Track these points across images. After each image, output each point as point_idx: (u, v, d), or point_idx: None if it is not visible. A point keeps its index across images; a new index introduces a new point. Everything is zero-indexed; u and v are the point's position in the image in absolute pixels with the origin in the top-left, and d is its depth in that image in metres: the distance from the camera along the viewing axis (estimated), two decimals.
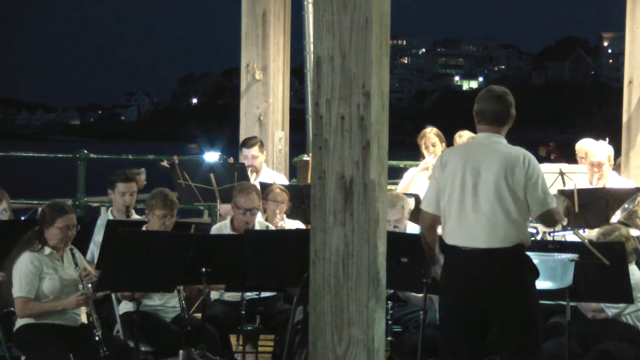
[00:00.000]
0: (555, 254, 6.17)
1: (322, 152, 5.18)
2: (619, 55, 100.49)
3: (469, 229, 5.78)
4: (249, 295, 7.65)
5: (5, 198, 7.98)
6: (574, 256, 6.11)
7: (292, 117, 11.03)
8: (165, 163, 9.57)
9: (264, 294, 7.72)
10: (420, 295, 6.68)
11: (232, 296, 7.72)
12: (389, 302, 6.95)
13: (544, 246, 6.46)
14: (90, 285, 6.87)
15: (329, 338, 5.18)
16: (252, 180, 9.09)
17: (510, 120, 5.97)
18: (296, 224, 8.43)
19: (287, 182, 9.88)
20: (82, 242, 7.49)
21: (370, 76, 5.11)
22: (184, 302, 7.31)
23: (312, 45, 11.45)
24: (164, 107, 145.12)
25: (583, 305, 6.90)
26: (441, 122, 12.67)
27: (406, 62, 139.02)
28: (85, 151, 12.00)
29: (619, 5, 10.48)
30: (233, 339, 7.89)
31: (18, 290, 6.80)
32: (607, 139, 8.85)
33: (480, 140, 5.93)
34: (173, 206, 7.39)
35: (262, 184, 8.93)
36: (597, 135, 9.10)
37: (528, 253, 5.86)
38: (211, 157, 10.13)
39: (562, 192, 7.73)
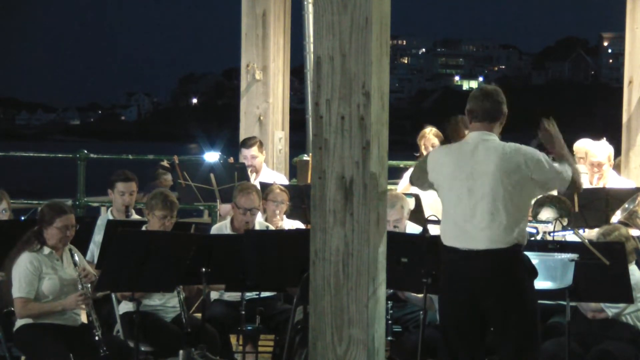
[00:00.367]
0: (555, 254, 6.17)
1: (322, 152, 5.18)
2: (619, 55, 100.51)
3: (465, 230, 5.77)
4: (249, 295, 7.65)
5: (5, 198, 7.98)
6: (574, 256, 6.11)
7: (292, 117, 11.03)
8: (165, 163, 9.57)
9: (264, 294, 7.72)
10: (420, 295, 6.68)
11: (232, 296, 7.72)
12: (389, 302, 6.95)
13: (544, 246, 6.45)
14: (89, 285, 6.87)
15: (329, 338, 5.18)
16: (252, 180, 9.09)
17: (502, 117, 5.94)
18: (296, 224, 8.43)
19: (287, 182, 9.88)
20: (82, 242, 7.49)
21: (370, 76, 5.12)
22: (183, 302, 7.30)
23: (312, 45, 11.44)
24: (164, 107, 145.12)
25: (583, 305, 6.90)
26: (441, 122, 12.65)
27: (406, 62, 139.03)
28: (85, 151, 11.99)
29: (619, 5, 10.47)
30: (233, 339, 7.89)
31: (18, 290, 6.80)
32: (604, 138, 8.84)
33: (474, 139, 5.90)
34: (173, 207, 7.39)
35: (262, 184, 8.93)
36: (597, 135, 9.09)
37: (529, 253, 5.86)
38: (211, 157, 10.13)
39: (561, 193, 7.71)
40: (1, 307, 7.14)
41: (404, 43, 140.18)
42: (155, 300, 7.38)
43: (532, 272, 5.84)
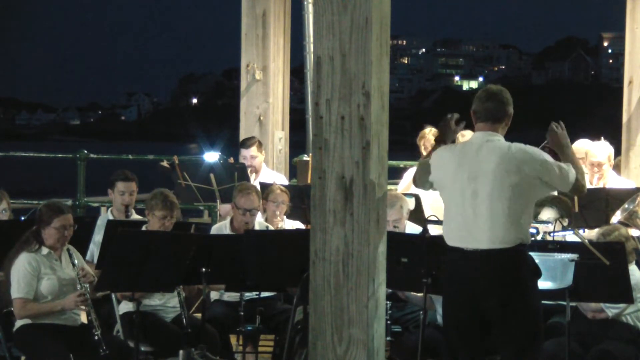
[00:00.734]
0: (555, 254, 6.16)
1: (322, 152, 5.19)
2: (619, 55, 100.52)
3: (469, 230, 5.76)
4: (249, 295, 7.65)
5: (5, 198, 7.98)
6: (574, 256, 6.11)
7: (292, 117, 11.03)
8: (165, 163, 9.56)
9: (264, 294, 7.72)
10: (420, 295, 6.67)
11: (231, 296, 7.72)
12: (388, 302, 6.95)
13: (544, 246, 6.45)
14: (88, 285, 6.87)
15: (329, 338, 5.18)
16: (251, 181, 9.08)
17: (506, 118, 5.92)
18: (296, 224, 8.43)
19: (287, 182, 9.87)
20: (82, 242, 7.49)
21: (370, 76, 5.12)
22: (183, 302, 7.30)
23: (312, 45, 11.44)
24: (164, 107, 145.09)
25: (583, 305, 6.89)
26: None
27: (406, 62, 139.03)
28: (85, 151, 11.99)
29: (619, 5, 10.47)
30: (233, 339, 7.89)
31: (17, 291, 6.80)
32: (602, 138, 8.83)
33: (477, 139, 5.90)
34: (173, 207, 7.39)
35: (262, 184, 8.92)
36: (597, 135, 9.09)
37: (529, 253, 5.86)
38: (211, 157, 10.13)
39: (561, 192, 7.71)
40: (1, 307, 7.14)
41: (404, 43, 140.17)
42: (155, 300, 7.38)
43: (536, 272, 5.83)
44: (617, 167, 9.51)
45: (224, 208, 9.27)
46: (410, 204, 8.07)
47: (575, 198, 7.94)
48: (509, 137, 5.96)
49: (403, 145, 14.96)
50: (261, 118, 10.57)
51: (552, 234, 7.50)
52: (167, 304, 7.42)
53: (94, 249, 7.78)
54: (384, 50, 5.24)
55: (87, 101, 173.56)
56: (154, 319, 7.28)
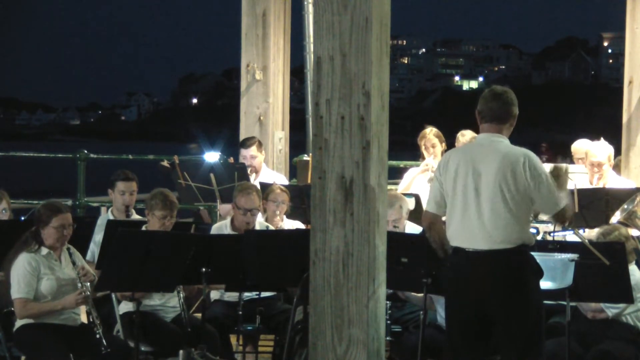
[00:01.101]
0: (555, 254, 6.17)
1: (322, 152, 5.19)
2: (619, 55, 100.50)
3: (472, 230, 5.77)
4: (249, 295, 7.65)
5: (5, 198, 7.98)
6: (574, 256, 6.11)
7: (292, 117, 11.02)
8: (165, 163, 9.56)
9: (264, 294, 7.72)
10: (420, 295, 6.68)
11: (232, 296, 7.72)
12: (388, 302, 6.95)
13: (544, 246, 6.45)
14: (88, 284, 6.87)
15: (329, 338, 5.18)
16: (252, 181, 9.08)
17: (511, 119, 5.93)
18: (296, 224, 8.43)
19: (287, 182, 9.87)
20: (82, 242, 7.49)
21: (370, 76, 5.12)
22: (183, 302, 7.30)
23: (312, 45, 11.45)
24: (164, 107, 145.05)
25: (583, 305, 6.89)
26: (441, 122, 12.67)
27: (406, 62, 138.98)
28: (85, 151, 11.99)
29: (619, 5, 10.47)
30: (233, 339, 7.89)
31: (17, 291, 6.80)
32: (602, 138, 8.84)
33: (481, 140, 5.92)
34: (173, 207, 7.39)
35: (262, 184, 8.92)
36: (597, 135, 9.09)
37: None
38: (211, 157, 10.13)
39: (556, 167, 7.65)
40: (1, 307, 7.14)
41: (404, 43, 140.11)
42: (155, 300, 7.38)
43: (538, 273, 5.83)
44: (617, 167, 9.52)
45: (224, 208, 9.27)
46: (410, 204, 8.07)
47: (575, 198, 7.95)
48: (510, 137, 5.97)
49: (403, 145, 14.94)
50: (261, 118, 10.57)
51: (552, 234, 7.51)
52: (167, 304, 7.42)
53: (94, 249, 7.77)
54: (384, 50, 5.24)
55: (87, 101, 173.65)
56: (154, 319, 7.28)
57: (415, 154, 10.13)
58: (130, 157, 12.81)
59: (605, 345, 6.75)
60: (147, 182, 8.55)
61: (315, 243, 5.21)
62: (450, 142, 9.54)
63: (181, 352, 6.62)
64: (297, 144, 11.67)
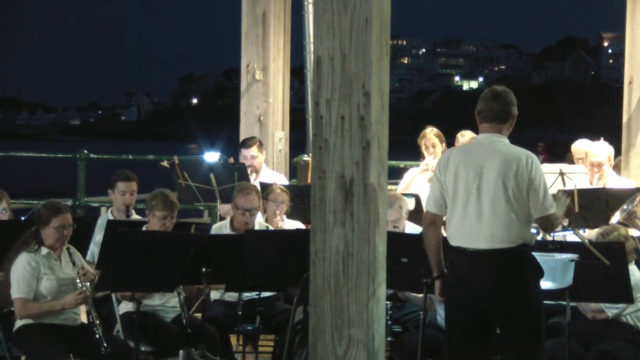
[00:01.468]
0: (555, 254, 6.17)
1: (322, 152, 5.19)
2: (619, 55, 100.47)
3: (472, 229, 5.77)
4: (249, 295, 7.65)
5: (5, 198, 7.98)
6: (574, 256, 6.11)
7: (292, 117, 11.02)
8: (165, 163, 9.56)
9: (264, 294, 7.72)
10: (421, 295, 6.67)
11: (232, 296, 7.72)
12: (388, 302, 6.95)
13: (544, 246, 6.45)
14: (88, 283, 6.87)
15: (329, 338, 5.18)
16: (252, 181, 9.08)
17: (511, 119, 5.95)
18: (296, 224, 8.43)
19: (287, 182, 9.87)
20: (82, 242, 7.49)
21: (370, 76, 5.12)
22: (183, 302, 7.30)
23: (312, 45, 11.44)
24: (164, 107, 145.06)
25: (583, 305, 6.89)
26: (441, 122, 12.67)
27: (406, 62, 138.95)
28: (85, 151, 12.00)
29: (619, 5, 10.47)
30: (233, 339, 7.89)
31: (16, 291, 6.80)
32: (602, 138, 8.84)
33: (481, 140, 5.93)
34: (173, 207, 7.39)
35: (262, 184, 8.92)
36: (597, 135, 9.10)
37: None
38: (211, 157, 10.13)
39: (562, 192, 7.71)
40: (1, 307, 7.14)
41: (404, 43, 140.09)
42: (155, 300, 7.38)
43: (538, 273, 5.83)
44: (617, 167, 9.52)
45: (224, 208, 9.27)
46: (410, 204, 8.07)
47: (575, 198, 7.95)
48: (510, 137, 5.98)
49: (403, 145, 14.93)
50: (261, 118, 10.56)
51: (552, 234, 7.50)
52: (167, 304, 7.42)
53: (94, 249, 7.77)
54: (384, 50, 5.24)
55: (87, 101, 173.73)
56: (154, 319, 7.27)
57: (415, 154, 10.13)
58: (130, 157, 12.82)
59: (605, 345, 6.75)
60: (147, 182, 8.55)
61: (315, 243, 5.21)
62: (450, 142, 9.55)
63: (181, 352, 6.61)
64: (297, 144, 11.66)
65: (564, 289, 6.27)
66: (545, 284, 5.95)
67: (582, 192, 8.17)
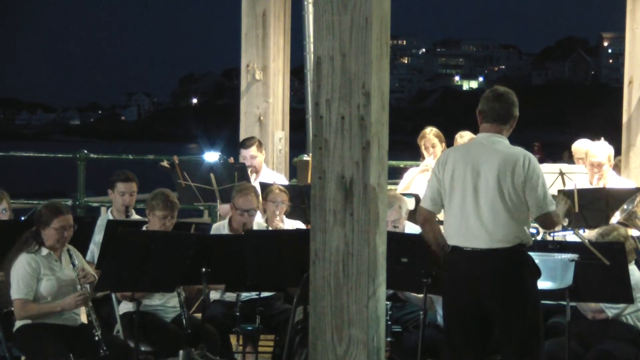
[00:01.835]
0: (555, 254, 6.17)
1: (322, 152, 5.18)
2: (619, 55, 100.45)
3: (469, 229, 5.78)
4: (248, 295, 7.65)
5: (5, 198, 7.98)
6: (574, 256, 6.11)
7: (292, 117, 11.03)
8: (165, 163, 9.56)
9: (264, 294, 7.72)
10: (421, 295, 6.67)
11: (231, 296, 7.72)
12: (388, 302, 6.95)
13: (544, 246, 6.46)
14: (88, 285, 6.86)
15: (329, 338, 5.18)
16: (252, 181, 9.08)
17: (512, 120, 5.95)
18: (296, 224, 8.42)
19: (287, 182, 9.87)
20: (82, 242, 7.48)
21: (370, 76, 5.12)
22: (183, 302, 7.30)
23: (312, 45, 11.44)
24: (164, 107, 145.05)
25: (583, 305, 6.89)
26: (441, 122, 12.68)
27: (406, 62, 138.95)
28: (85, 151, 12.00)
29: (619, 5, 10.47)
30: (233, 339, 7.89)
31: (16, 292, 6.79)
32: (602, 138, 8.84)
33: (481, 139, 5.93)
34: (174, 207, 7.39)
35: (262, 184, 8.93)
36: (597, 135, 9.10)
37: (529, 253, 5.86)
38: (211, 157, 10.13)
39: (562, 192, 7.72)
40: (1, 307, 7.14)
41: (404, 43, 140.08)
42: (155, 300, 7.38)
43: (536, 273, 5.84)
44: (617, 167, 9.52)
45: (224, 208, 9.27)
46: (410, 204, 8.07)
47: (575, 198, 7.96)
48: (509, 137, 5.98)
49: (403, 145, 14.94)
50: (261, 118, 10.57)
51: (552, 234, 7.50)
52: (167, 304, 7.42)
53: (94, 249, 7.77)
54: (384, 50, 5.24)
55: (87, 101, 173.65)
56: (154, 319, 7.28)
57: (415, 154, 10.13)
58: (130, 157, 12.83)
59: (605, 345, 6.75)
60: (147, 182, 8.56)
61: (315, 243, 5.21)
62: (449, 142, 9.55)
63: (181, 352, 6.62)
64: (297, 144, 11.66)
65: (564, 289, 6.26)
66: (545, 284, 5.95)
67: (582, 192, 8.17)
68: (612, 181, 8.66)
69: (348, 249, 5.15)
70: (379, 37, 5.17)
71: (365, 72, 5.12)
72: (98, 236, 7.75)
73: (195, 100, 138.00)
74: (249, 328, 7.61)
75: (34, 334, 6.81)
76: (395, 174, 10.39)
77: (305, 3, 12.09)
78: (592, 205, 8.13)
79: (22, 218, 8.64)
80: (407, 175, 9.66)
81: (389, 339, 7.04)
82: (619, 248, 6.51)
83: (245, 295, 7.60)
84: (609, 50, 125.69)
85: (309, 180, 9.58)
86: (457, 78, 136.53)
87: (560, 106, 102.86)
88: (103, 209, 11.33)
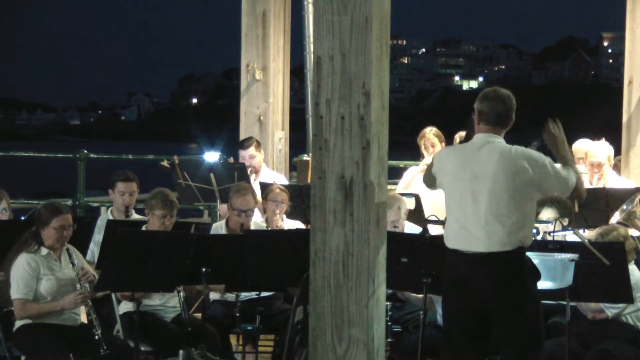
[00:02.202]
0: (555, 254, 6.16)
1: (322, 152, 5.19)
2: (619, 55, 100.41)
3: (469, 232, 5.75)
4: (248, 295, 7.66)
5: (5, 198, 7.98)
6: (574, 256, 6.11)
7: (292, 117, 11.03)
8: (165, 163, 9.57)
9: (264, 294, 7.72)
10: (421, 295, 6.67)
11: (232, 296, 7.72)
12: (388, 302, 6.94)
13: (544, 246, 6.45)
14: (87, 284, 6.86)
15: (329, 338, 5.18)
16: (252, 181, 9.09)
17: (511, 123, 5.93)
18: (296, 224, 8.43)
19: (287, 182, 9.87)
20: (82, 242, 7.48)
21: (370, 76, 5.12)
22: (183, 302, 7.30)
23: (312, 45, 11.44)
24: (164, 107, 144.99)
25: (582, 305, 6.89)
26: (441, 122, 12.68)
27: (406, 62, 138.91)
28: (85, 151, 12.00)
29: (619, 5, 10.47)
30: (233, 339, 7.89)
31: (16, 292, 6.79)
32: (603, 138, 8.84)
33: (479, 141, 5.89)
34: (173, 206, 7.39)
35: (262, 184, 8.93)
36: (597, 135, 9.10)
37: (529, 253, 5.84)
38: (211, 157, 10.13)
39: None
40: (1, 307, 7.14)
41: (404, 43, 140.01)
42: (155, 300, 7.38)
43: (535, 275, 5.82)
44: (617, 167, 9.52)
45: (224, 208, 9.27)
46: (410, 204, 8.07)
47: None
48: (508, 137, 5.96)
49: (403, 145, 14.94)
50: (261, 118, 10.57)
51: (552, 234, 7.50)
52: (167, 304, 7.42)
53: (94, 249, 7.78)
54: (384, 50, 5.24)
55: (87, 101, 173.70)
56: (154, 319, 7.28)
57: (415, 154, 10.13)
58: (130, 157, 12.83)
59: (605, 345, 6.75)
60: (147, 182, 8.56)
61: (315, 243, 5.21)
62: (449, 142, 9.54)
63: (181, 352, 6.62)
64: (297, 144, 11.67)
65: (564, 289, 6.26)
66: (545, 284, 5.94)
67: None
68: (612, 181, 8.66)
69: (348, 249, 5.15)
70: (379, 37, 5.18)
71: (365, 72, 5.12)
72: (98, 236, 7.75)
73: (195, 100, 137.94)
74: (249, 328, 7.61)
75: (34, 333, 6.81)
76: (395, 174, 10.39)
77: (305, 3, 12.09)
78: (592, 205, 8.13)
79: (22, 218, 8.64)
80: (406, 175, 9.66)
81: (389, 339, 7.04)
82: (619, 248, 6.50)
83: (245, 295, 7.61)
84: (609, 50, 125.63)
85: (309, 180, 9.58)
86: (457, 78, 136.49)
87: (560, 106, 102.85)
88: (103, 209, 11.33)
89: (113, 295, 7.30)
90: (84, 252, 7.48)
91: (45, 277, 6.85)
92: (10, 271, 6.83)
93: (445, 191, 5.89)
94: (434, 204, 8.81)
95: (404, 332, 7.36)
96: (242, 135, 10.26)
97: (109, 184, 8.14)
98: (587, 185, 8.50)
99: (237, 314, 7.37)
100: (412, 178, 9.54)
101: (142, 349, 7.11)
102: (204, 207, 11.51)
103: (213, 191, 9.18)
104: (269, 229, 8.02)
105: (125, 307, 7.31)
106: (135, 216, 8.10)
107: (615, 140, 9.28)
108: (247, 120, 10.61)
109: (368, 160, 5.13)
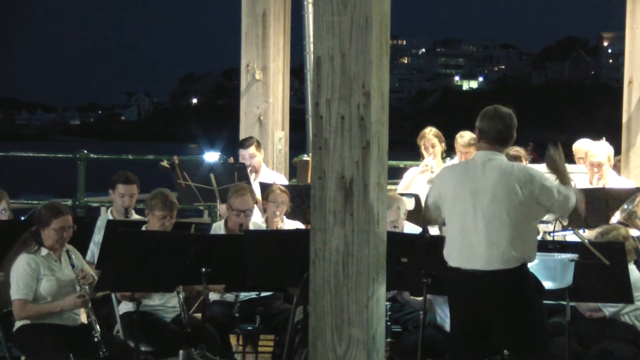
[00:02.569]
0: (555, 254, 6.16)
1: (322, 152, 5.19)
2: (619, 55, 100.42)
3: (470, 250, 5.73)
4: (248, 295, 7.66)
5: (5, 198, 7.98)
6: (574, 256, 6.11)
7: (292, 117, 11.03)
8: (165, 163, 9.56)
9: (264, 294, 7.72)
10: (419, 298, 6.67)
11: (232, 296, 7.72)
12: (388, 302, 6.94)
13: (544, 246, 6.45)
14: (87, 286, 6.86)
15: (329, 338, 5.18)
16: (252, 181, 9.08)
17: (511, 141, 5.92)
18: (296, 224, 8.43)
19: (287, 182, 9.87)
20: (82, 242, 7.49)
21: (370, 76, 5.12)
22: (183, 302, 7.30)
23: (312, 45, 11.44)
24: (164, 107, 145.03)
25: (580, 304, 6.89)
26: (441, 122, 12.67)
27: (406, 62, 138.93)
28: (85, 151, 12.00)
29: (619, 5, 10.48)
30: (233, 339, 7.89)
31: (16, 292, 6.79)
32: (603, 138, 8.84)
33: (479, 158, 5.86)
34: (173, 207, 7.39)
35: (262, 184, 8.93)
36: (597, 135, 9.10)
37: None
38: (211, 157, 10.13)
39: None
40: (1, 307, 7.14)
41: (404, 43, 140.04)
42: (155, 300, 7.38)
43: (539, 290, 5.81)
44: (616, 167, 9.52)
45: (223, 208, 9.27)
46: (410, 204, 8.07)
47: None
48: None
49: (403, 145, 14.94)
50: (261, 118, 10.57)
51: (552, 234, 7.50)
52: (167, 304, 7.42)
53: (94, 249, 7.77)
54: (384, 50, 5.24)
55: (87, 101, 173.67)
56: (154, 319, 7.28)
57: (415, 154, 10.13)
58: (130, 157, 12.84)
59: (605, 345, 6.75)
60: (147, 182, 8.56)
61: (315, 243, 5.22)
62: (450, 142, 9.54)
63: (181, 352, 6.62)
64: (297, 144, 11.67)
65: (564, 288, 6.26)
66: (545, 284, 5.94)
67: (582, 192, 8.15)
68: (612, 181, 8.65)
69: (348, 249, 5.15)
70: (379, 37, 5.18)
71: (365, 72, 5.12)
72: (98, 236, 7.75)
73: (195, 100, 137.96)
74: (249, 328, 7.61)
75: (33, 334, 6.81)
76: (395, 174, 10.39)
77: (305, 3, 12.09)
78: (592, 205, 8.12)
79: (22, 218, 8.64)
80: (407, 175, 9.65)
81: (389, 339, 7.04)
82: (619, 248, 6.50)
83: (244, 295, 7.60)
84: (609, 50, 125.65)
85: (309, 180, 9.58)
86: (457, 78, 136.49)
87: (560, 106, 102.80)
88: (103, 209, 11.33)
89: (113, 296, 7.30)
90: (84, 252, 7.48)
91: (45, 277, 6.85)
92: (10, 271, 6.83)
93: (446, 209, 5.88)
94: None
95: (403, 332, 7.36)
96: (242, 135, 10.26)
97: (110, 184, 8.14)
98: (587, 185, 8.51)
99: (237, 314, 7.37)
100: (412, 178, 9.54)
101: (142, 349, 7.11)
102: (204, 207, 11.51)
103: (213, 191, 9.17)
104: (268, 228, 8.02)
105: (125, 307, 7.30)
106: (135, 216, 8.10)
107: (615, 140, 9.28)
108: (247, 120, 10.61)
109: (368, 161, 5.13)
